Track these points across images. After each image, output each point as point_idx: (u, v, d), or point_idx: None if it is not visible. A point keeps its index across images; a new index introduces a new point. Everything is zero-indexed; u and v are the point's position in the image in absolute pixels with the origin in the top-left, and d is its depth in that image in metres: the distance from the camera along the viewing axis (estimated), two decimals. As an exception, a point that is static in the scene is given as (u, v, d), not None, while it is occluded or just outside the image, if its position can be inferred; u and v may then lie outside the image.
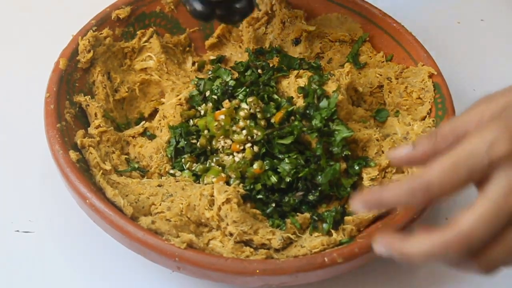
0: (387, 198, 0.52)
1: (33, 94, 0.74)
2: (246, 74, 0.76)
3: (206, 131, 0.72)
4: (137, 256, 0.63)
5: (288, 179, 0.68)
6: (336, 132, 0.70)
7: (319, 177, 0.69)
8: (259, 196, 0.68)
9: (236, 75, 0.76)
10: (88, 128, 0.72)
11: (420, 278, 0.69)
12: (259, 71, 0.76)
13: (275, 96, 0.74)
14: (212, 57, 0.82)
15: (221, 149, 0.71)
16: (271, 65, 0.77)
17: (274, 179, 0.68)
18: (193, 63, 0.81)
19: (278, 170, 0.69)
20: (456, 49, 0.91)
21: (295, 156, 0.69)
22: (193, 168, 0.71)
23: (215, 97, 0.74)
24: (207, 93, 0.74)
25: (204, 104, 0.74)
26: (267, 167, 0.69)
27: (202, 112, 0.74)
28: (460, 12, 0.95)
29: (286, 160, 0.69)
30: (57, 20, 0.88)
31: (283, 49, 0.81)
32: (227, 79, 0.75)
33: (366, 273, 0.68)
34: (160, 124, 0.75)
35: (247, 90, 0.73)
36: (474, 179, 0.51)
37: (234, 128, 0.71)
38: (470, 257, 0.51)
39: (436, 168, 0.51)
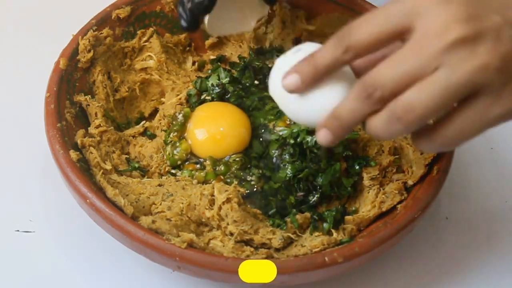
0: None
1: (33, 94, 0.74)
2: (244, 75, 0.76)
3: None
4: (138, 256, 0.63)
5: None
6: None
7: (320, 178, 0.69)
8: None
9: (235, 73, 0.76)
10: (89, 128, 0.71)
11: (419, 278, 0.69)
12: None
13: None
14: (212, 57, 0.81)
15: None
16: (270, 65, 0.77)
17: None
18: (193, 63, 0.81)
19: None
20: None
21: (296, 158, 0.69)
22: (194, 177, 0.70)
23: (209, 98, 0.74)
24: (203, 96, 0.75)
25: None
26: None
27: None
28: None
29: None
30: (57, 20, 0.88)
31: (284, 49, 0.81)
32: (224, 81, 0.75)
33: (366, 272, 0.68)
34: (160, 123, 0.75)
35: (241, 92, 0.73)
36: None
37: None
38: (425, 130, 0.50)
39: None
